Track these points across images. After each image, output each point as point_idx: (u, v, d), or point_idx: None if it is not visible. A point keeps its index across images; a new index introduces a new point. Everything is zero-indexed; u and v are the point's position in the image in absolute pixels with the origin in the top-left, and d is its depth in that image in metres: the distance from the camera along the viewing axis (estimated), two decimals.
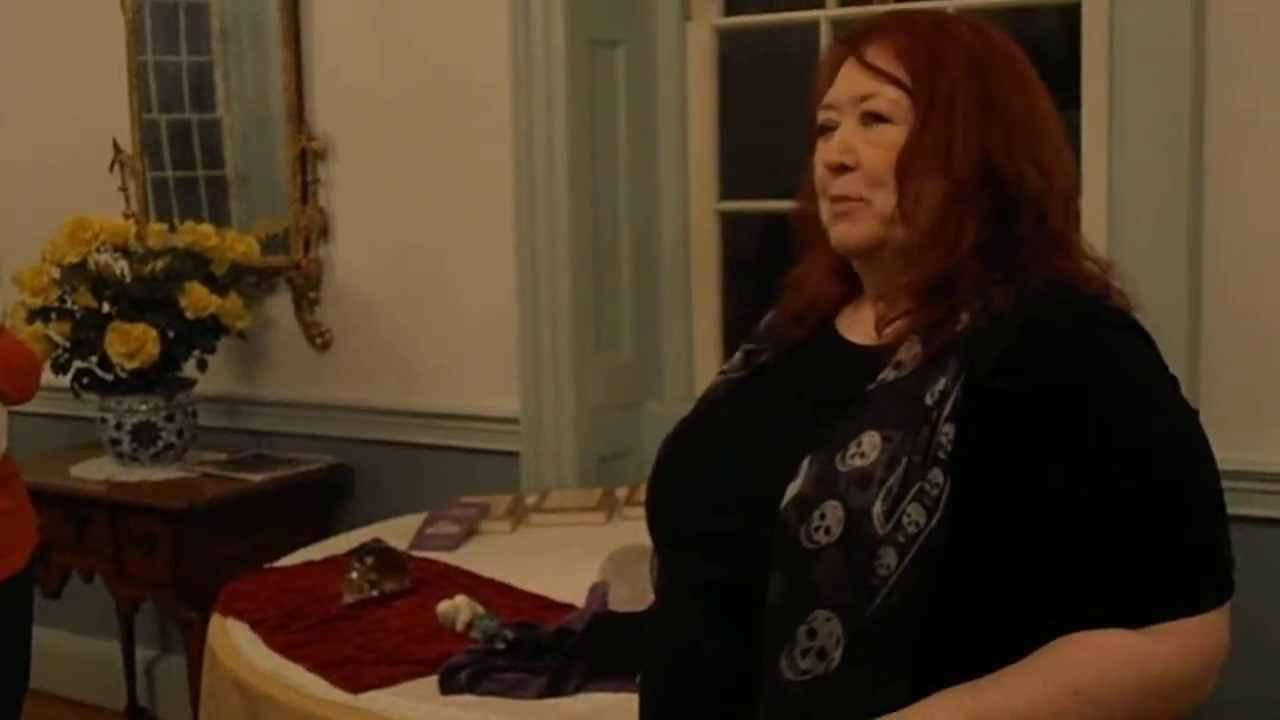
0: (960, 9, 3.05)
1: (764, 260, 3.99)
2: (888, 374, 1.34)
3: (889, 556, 1.24)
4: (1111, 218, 2.75)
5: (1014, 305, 1.33)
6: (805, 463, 1.30)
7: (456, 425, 3.57)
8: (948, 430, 1.27)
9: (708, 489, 1.42)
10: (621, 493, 3.06)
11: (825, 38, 3.23)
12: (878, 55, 1.41)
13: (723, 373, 1.58)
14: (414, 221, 3.60)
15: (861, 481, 1.27)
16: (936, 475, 1.26)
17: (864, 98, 1.41)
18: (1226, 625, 1.31)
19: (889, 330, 1.39)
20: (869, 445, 1.28)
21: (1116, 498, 1.27)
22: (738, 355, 1.57)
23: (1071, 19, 2.90)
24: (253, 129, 3.89)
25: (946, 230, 1.37)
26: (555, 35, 3.18)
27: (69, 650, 4.18)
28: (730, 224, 3.49)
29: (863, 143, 1.40)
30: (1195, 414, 1.36)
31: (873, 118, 1.40)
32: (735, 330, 3.53)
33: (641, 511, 2.97)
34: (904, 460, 1.26)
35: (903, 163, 1.37)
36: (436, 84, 3.52)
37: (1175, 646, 1.27)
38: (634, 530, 2.76)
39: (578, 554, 2.53)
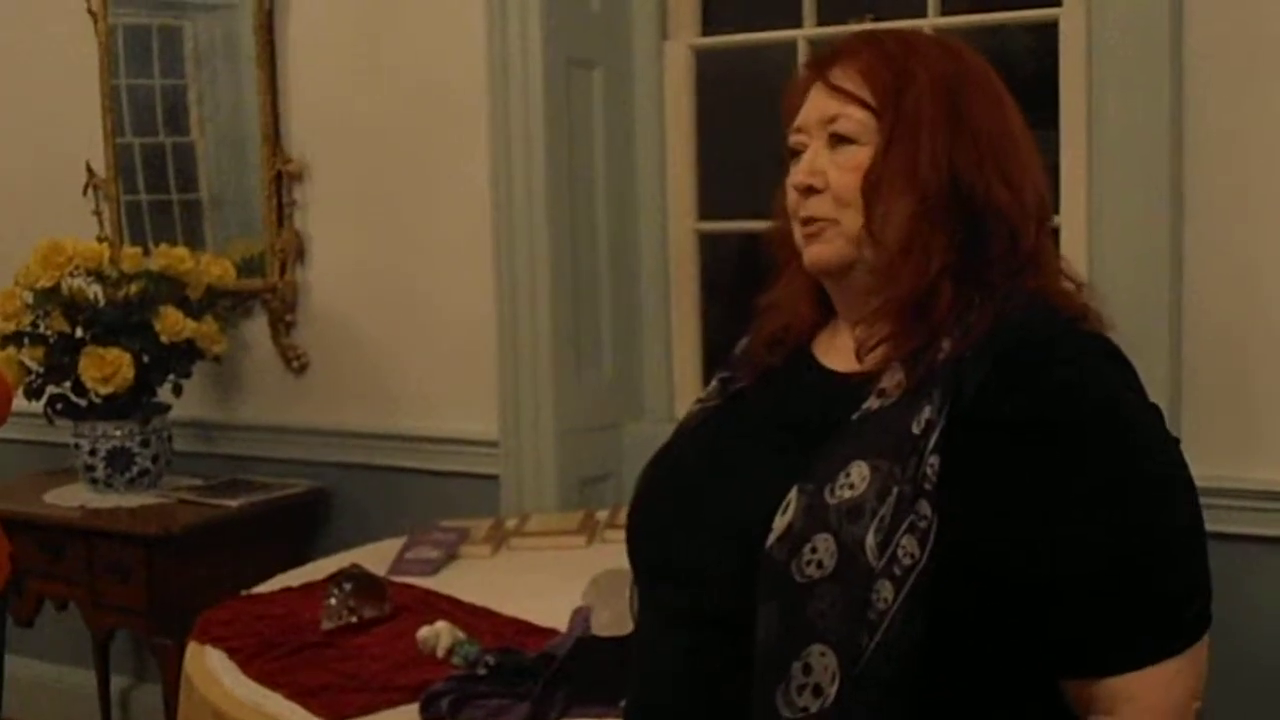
0: (936, 27, 3.06)
1: (744, 280, 3.98)
2: (872, 402, 1.32)
3: (886, 590, 1.22)
4: (1091, 236, 2.75)
5: (991, 332, 1.31)
6: (793, 494, 1.28)
7: (435, 449, 3.55)
8: (933, 461, 1.25)
9: (688, 520, 1.40)
10: (603, 515, 3.04)
11: (803, 57, 3.22)
12: (843, 77, 1.40)
13: (699, 401, 1.55)
14: (391, 243, 3.59)
15: (853, 513, 1.24)
16: (924, 507, 1.24)
17: (831, 119, 1.40)
18: (1204, 656, 1.29)
19: (869, 356, 1.37)
20: (857, 476, 1.26)
21: (1089, 540, 1.25)
22: (714, 384, 1.55)
23: (1049, 37, 2.91)
24: (227, 151, 3.87)
25: (915, 250, 1.35)
26: (532, 56, 3.17)
27: (43, 679, 4.13)
28: (709, 244, 3.48)
29: (830, 165, 1.39)
30: (1175, 442, 1.34)
31: (839, 139, 1.40)
32: (715, 351, 3.51)
33: (621, 534, 2.95)
34: (895, 490, 1.24)
35: (869, 183, 1.37)
36: (413, 105, 3.50)
37: (1151, 702, 1.26)
38: (616, 553, 2.74)
39: (559, 578, 2.50)
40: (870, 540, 1.23)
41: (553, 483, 3.25)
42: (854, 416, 1.31)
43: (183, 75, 3.89)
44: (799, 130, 1.44)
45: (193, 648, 2.36)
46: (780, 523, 1.27)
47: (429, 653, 2.20)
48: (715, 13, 3.41)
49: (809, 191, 1.40)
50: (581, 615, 2.10)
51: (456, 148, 3.43)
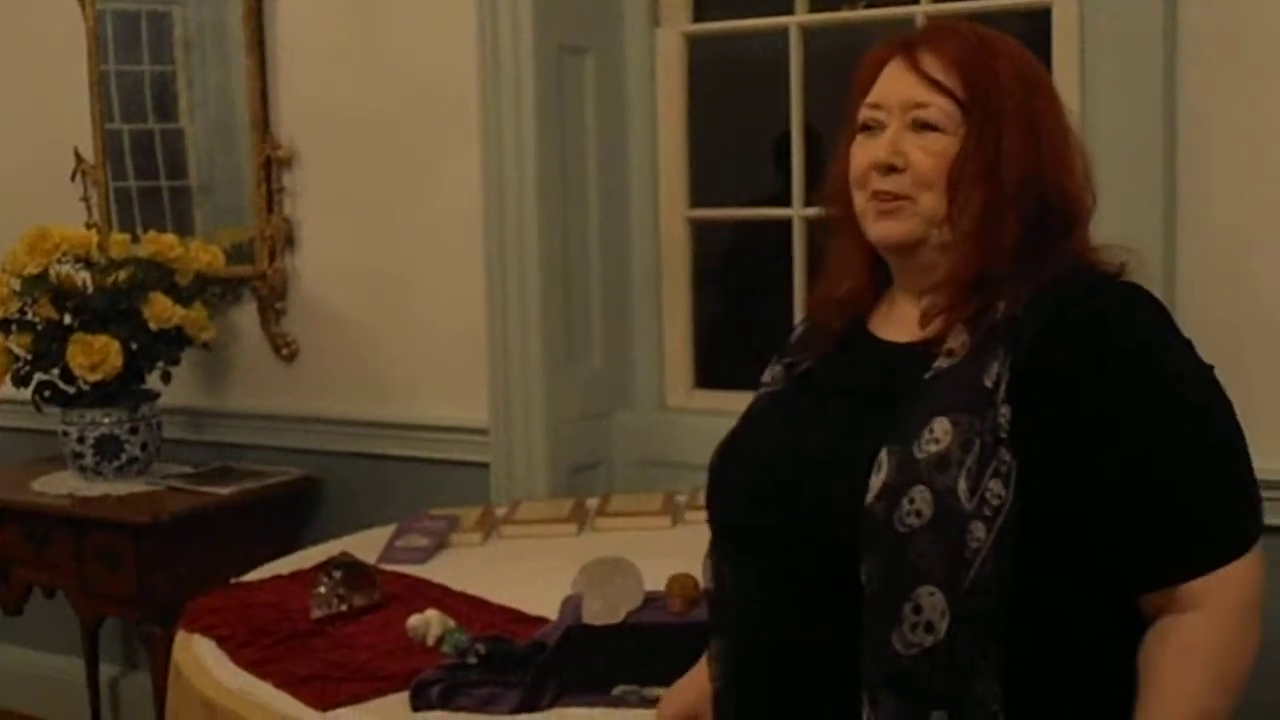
0: (929, 14, 3.05)
1: (735, 268, 3.97)
2: (941, 362, 1.44)
3: (979, 530, 1.36)
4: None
5: (1040, 291, 1.44)
6: (883, 454, 1.39)
7: (425, 436, 3.54)
8: (1005, 411, 1.38)
9: (776, 489, 1.51)
10: (593, 503, 3.03)
11: (795, 43, 3.21)
12: (934, 66, 1.50)
13: (764, 386, 1.66)
14: (381, 231, 3.57)
15: (941, 465, 1.37)
16: (1004, 453, 1.37)
17: (918, 105, 1.50)
18: (1259, 563, 1.42)
19: (933, 324, 1.49)
20: (941, 431, 1.39)
21: (1149, 461, 1.39)
22: (777, 369, 1.66)
23: (1042, 22, 2.90)
24: (217, 138, 3.85)
25: (988, 233, 1.47)
26: (523, 42, 3.16)
27: (31, 667, 4.12)
28: (701, 232, 3.47)
29: (912, 146, 1.49)
30: (1210, 369, 1.48)
31: (925, 125, 1.49)
32: (706, 339, 3.51)
33: (612, 522, 2.96)
34: (977, 441, 1.37)
35: (955, 172, 1.47)
36: (403, 92, 3.49)
37: (1224, 600, 1.39)
38: (606, 541, 2.74)
39: (549, 566, 2.50)
40: (962, 486, 1.36)
41: (543, 471, 3.24)
42: (927, 376, 1.44)
43: (172, 61, 3.88)
44: (876, 106, 1.53)
45: (181, 636, 2.35)
46: (876, 481, 1.39)
47: (419, 641, 2.19)
48: None
49: (889, 170, 1.50)
50: (572, 604, 2.09)
51: (447, 135, 3.41)
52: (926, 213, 1.49)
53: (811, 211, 3.29)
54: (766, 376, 1.67)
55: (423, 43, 3.45)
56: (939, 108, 1.49)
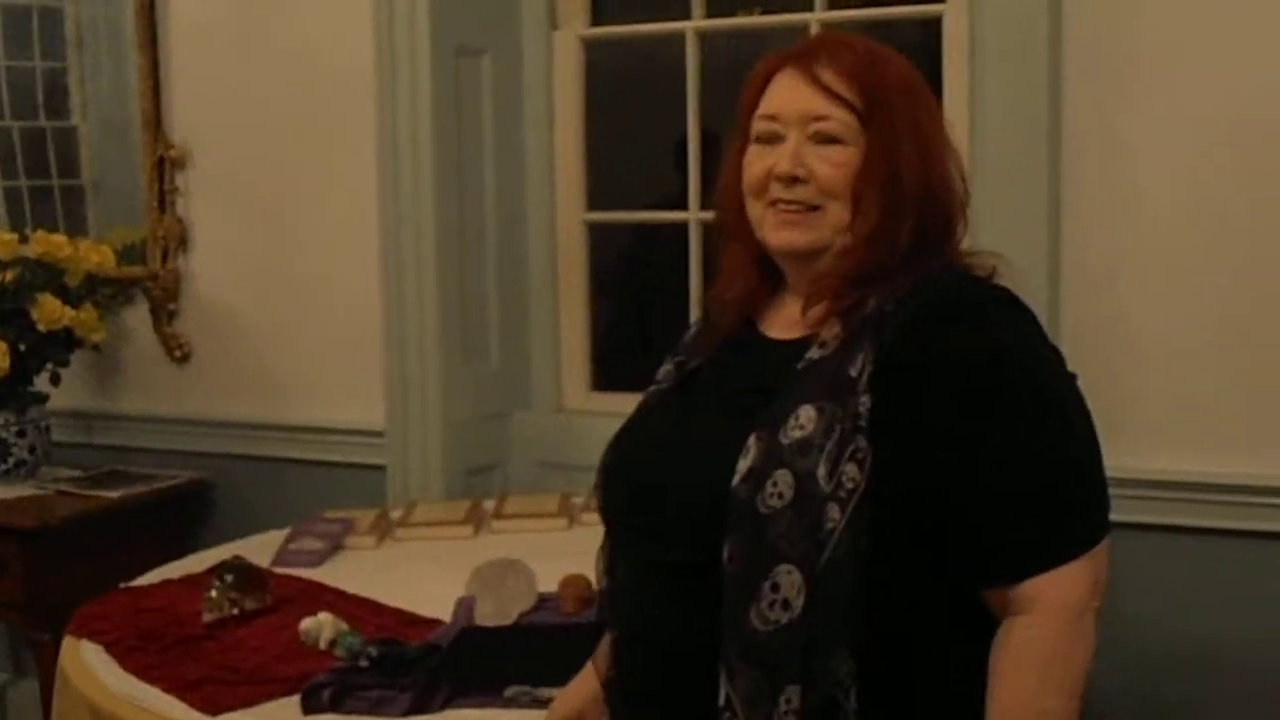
0: (823, 21, 3.09)
1: (632, 271, 3.99)
2: (813, 353, 1.49)
3: (833, 511, 1.40)
4: (970, 224, 2.78)
5: (912, 289, 1.49)
6: (751, 439, 1.44)
7: (320, 439, 3.52)
8: (865, 401, 1.43)
9: (657, 481, 1.55)
10: (489, 505, 3.03)
11: (691, 48, 3.24)
12: (831, 78, 1.53)
13: (655, 383, 1.70)
14: (275, 231, 3.54)
15: (804, 449, 1.42)
16: (861, 440, 1.42)
17: (818, 118, 1.53)
18: (1102, 560, 1.47)
19: (810, 316, 1.54)
20: (805, 417, 1.43)
21: (998, 464, 1.43)
22: (668, 366, 1.70)
23: (935, 31, 2.95)
24: (109, 136, 3.80)
25: (885, 237, 1.52)
26: (420, 42, 3.15)
27: None
28: (598, 234, 3.48)
29: (814, 158, 1.53)
30: (1073, 378, 1.51)
31: (826, 138, 1.53)
32: (603, 341, 3.52)
33: (509, 524, 2.96)
34: (837, 428, 1.42)
35: (859, 183, 1.52)
36: (298, 92, 3.46)
37: (1055, 602, 1.42)
38: (501, 543, 2.74)
39: (444, 568, 2.49)
40: (821, 470, 1.41)
41: (439, 473, 3.23)
42: (799, 365, 1.49)
43: (63, 58, 3.82)
44: (774, 118, 1.56)
45: (68, 641, 2.32)
46: (743, 465, 1.44)
47: (311, 644, 2.18)
48: (605, 3, 3.41)
49: (793, 181, 1.53)
50: (465, 605, 2.10)
51: (343, 134, 3.40)
52: (833, 222, 1.53)
53: (708, 215, 3.31)
54: (659, 374, 1.71)
55: (319, 42, 3.43)
56: (839, 120, 1.52)
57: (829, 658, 1.41)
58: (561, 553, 2.47)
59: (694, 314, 3.31)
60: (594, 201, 3.43)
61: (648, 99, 3.54)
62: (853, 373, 1.45)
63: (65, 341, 3.52)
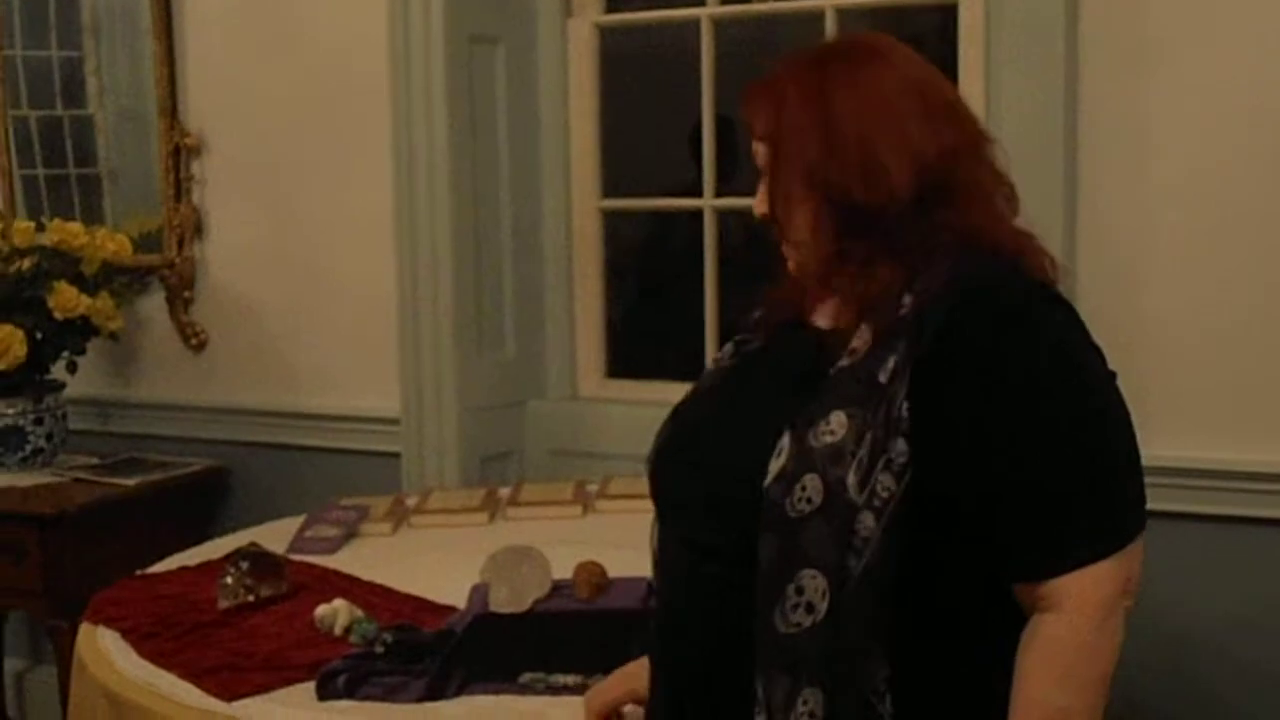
0: (838, 7, 3.08)
1: (647, 258, 3.99)
2: (844, 360, 1.50)
3: (868, 520, 1.42)
4: None
5: (946, 284, 1.47)
6: (785, 439, 1.46)
7: (336, 426, 3.53)
8: (904, 404, 1.43)
9: (700, 462, 1.59)
10: (504, 493, 3.03)
11: (706, 35, 3.23)
12: (749, 114, 1.59)
13: (716, 361, 1.72)
14: (291, 219, 3.55)
15: (834, 456, 1.43)
16: (900, 445, 1.42)
17: (756, 157, 1.60)
18: (1135, 558, 1.47)
19: (841, 315, 1.56)
20: (837, 423, 1.45)
21: (1035, 465, 1.43)
22: (729, 345, 1.72)
23: (951, 18, 2.94)
24: (125, 125, 3.81)
25: (814, 243, 1.56)
26: (434, 31, 3.15)
27: None
28: (613, 222, 3.48)
29: (761, 195, 1.60)
30: (1112, 377, 1.52)
31: (764, 173, 1.59)
32: (618, 329, 3.52)
33: (523, 512, 2.97)
34: (869, 434, 1.43)
35: (771, 207, 1.58)
36: (313, 80, 3.47)
37: (1083, 600, 1.42)
38: (516, 530, 2.75)
39: (459, 555, 2.49)
40: (851, 479, 1.42)
41: (454, 460, 3.23)
42: (831, 371, 1.50)
43: (80, 47, 3.82)
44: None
45: (85, 628, 2.33)
46: (775, 465, 1.46)
47: (326, 631, 2.19)
48: None
49: (765, 219, 1.61)
50: (479, 592, 2.10)
51: (358, 123, 3.40)
52: (794, 241, 1.58)
53: (723, 202, 3.31)
54: (721, 352, 1.73)
55: (333, 31, 3.43)
56: (760, 153, 1.59)
57: (861, 663, 1.42)
58: (576, 540, 2.47)
59: (709, 301, 3.31)
60: (609, 189, 3.43)
61: (663, 86, 3.54)
62: (883, 379, 1.45)
63: (82, 329, 3.52)
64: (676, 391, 3.36)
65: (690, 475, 1.60)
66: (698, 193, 3.32)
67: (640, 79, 3.53)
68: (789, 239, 1.58)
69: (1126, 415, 1.50)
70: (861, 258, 1.52)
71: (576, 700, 1.92)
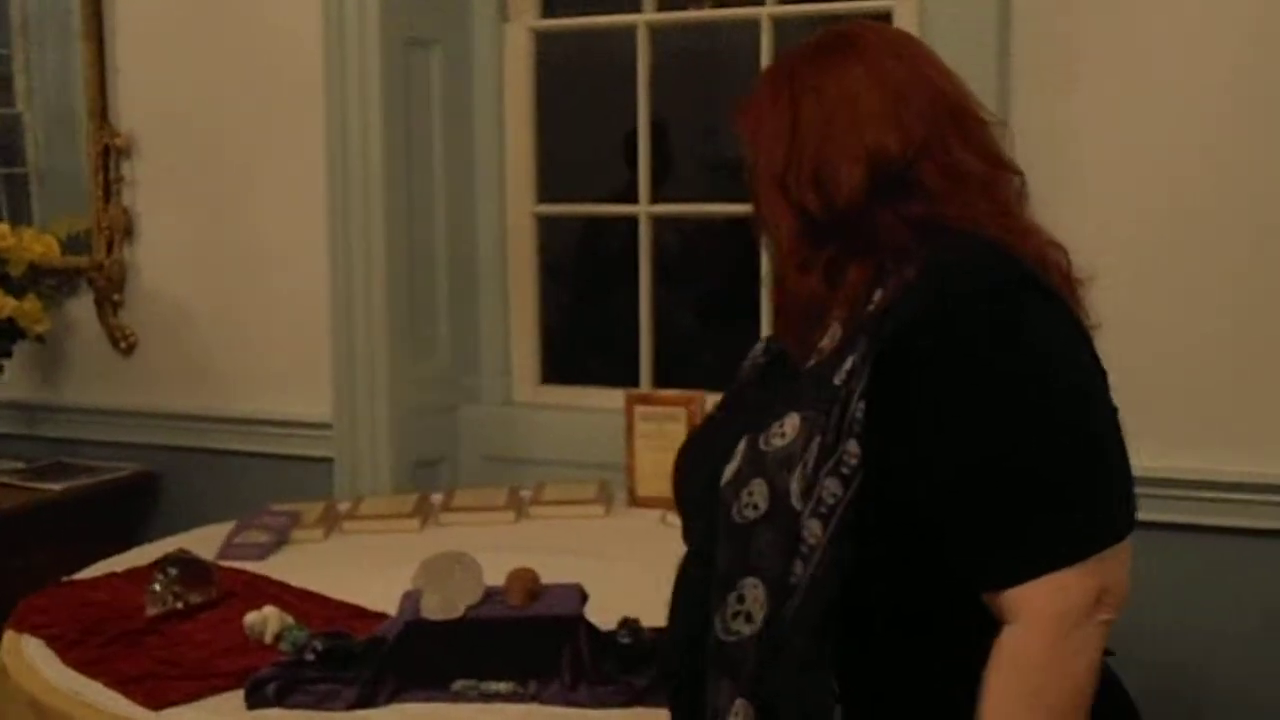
0: (773, 16, 3.09)
1: (582, 264, 3.99)
2: (814, 359, 1.46)
3: (814, 527, 1.37)
4: None
5: (918, 276, 1.40)
6: (742, 443, 1.44)
7: (267, 431, 3.50)
8: (861, 405, 1.37)
9: (689, 467, 1.59)
10: (437, 499, 3.02)
11: (642, 42, 3.23)
12: (733, 124, 1.56)
13: (750, 359, 1.67)
14: (222, 222, 3.52)
15: (784, 460, 1.40)
16: (852, 447, 1.37)
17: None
18: (1109, 567, 1.35)
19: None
20: (790, 426, 1.41)
21: (964, 463, 1.35)
22: (760, 344, 1.67)
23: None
24: (54, 125, 3.77)
25: (790, 253, 1.49)
26: (369, 34, 3.13)
27: None
28: (548, 227, 3.48)
29: None
30: (1091, 369, 1.41)
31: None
32: (553, 334, 3.51)
33: (457, 517, 2.96)
34: (817, 439, 1.38)
35: (756, 219, 1.55)
36: (246, 81, 3.44)
37: (1041, 612, 1.33)
38: (449, 536, 2.73)
39: (391, 562, 2.48)
40: (795, 487, 1.38)
41: (387, 466, 3.22)
42: (801, 371, 1.47)
43: (7, 45, 3.78)
44: None
45: (9, 636, 2.29)
46: (729, 469, 1.44)
47: (256, 638, 2.17)
48: None
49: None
50: (411, 599, 2.09)
51: (291, 125, 3.37)
52: (778, 252, 1.53)
53: (658, 208, 3.32)
54: (746, 360, 1.67)
55: (267, 31, 3.40)
56: (748, 170, 1.55)
57: (805, 675, 1.38)
58: (509, 546, 2.46)
59: (644, 307, 3.31)
60: (544, 194, 3.42)
61: (598, 92, 3.54)
62: (837, 380, 1.39)
63: (8, 332, 3.49)
64: (611, 398, 3.38)
65: (685, 479, 1.60)
66: (633, 198, 3.32)
67: (576, 84, 3.53)
68: (776, 248, 1.52)
69: (1106, 412, 1.41)
70: (826, 261, 1.46)
71: (509, 708, 1.92)
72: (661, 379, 3.31)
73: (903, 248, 1.42)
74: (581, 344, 3.85)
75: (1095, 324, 1.48)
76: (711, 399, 3.02)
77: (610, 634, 2.02)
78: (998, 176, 1.49)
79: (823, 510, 1.37)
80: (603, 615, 2.05)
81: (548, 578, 2.09)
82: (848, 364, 1.39)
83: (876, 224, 1.43)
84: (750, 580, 1.40)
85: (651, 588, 2.41)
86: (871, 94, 1.46)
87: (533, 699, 1.94)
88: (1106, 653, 1.40)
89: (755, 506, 1.40)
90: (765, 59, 3.07)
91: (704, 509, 1.48)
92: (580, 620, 2.00)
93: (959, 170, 1.46)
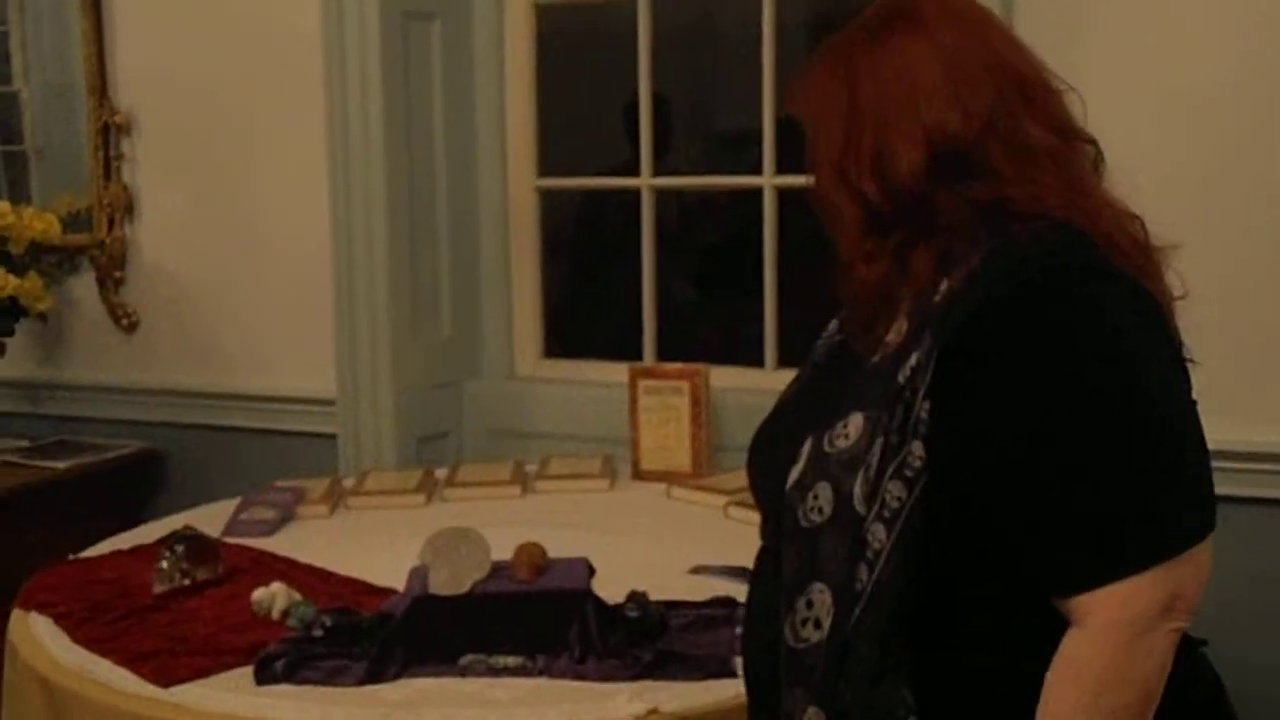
0: None
1: (584, 238, 3.98)
2: (878, 355, 1.41)
3: (879, 531, 1.34)
4: None
5: (980, 264, 1.35)
6: (807, 444, 1.40)
7: (271, 408, 3.50)
8: (926, 405, 1.33)
9: (760, 461, 1.55)
10: (441, 474, 3.02)
11: (643, 14, 3.22)
12: (789, 104, 1.52)
13: (824, 338, 1.60)
14: (224, 198, 3.51)
15: (848, 463, 1.36)
16: (917, 449, 1.33)
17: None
18: (1183, 573, 1.30)
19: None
20: (854, 427, 1.37)
21: (1043, 462, 1.30)
22: (835, 322, 1.59)
23: None
24: (53, 102, 3.76)
25: (854, 239, 1.43)
26: (369, 7, 3.11)
27: None
28: (550, 201, 3.47)
29: None
30: (1172, 361, 1.37)
31: None
32: (555, 308, 3.51)
33: (462, 492, 2.96)
34: (880, 440, 1.34)
35: (817, 203, 1.47)
36: (246, 57, 3.43)
37: (1107, 618, 1.29)
38: (454, 511, 2.74)
39: (397, 537, 2.49)
40: (858, 490, 1.34)
41: (391, 441, 3.22)
42: (866, 368, 1.42)
43: (4, 21, 3.76)
44: None
45: (17, 614, 2.29)
46: (795, 471, 1.40)
47: (264, 615, 2.17)
48: None
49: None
50: (418, 574, 2.09)
51: (291, 100, 3.36)
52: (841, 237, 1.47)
53: (660, 181, 3.31)
54: (820, 337, 1.61)
55: (266, 6, 3.39)
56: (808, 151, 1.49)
57: (879, 686, 1.34)
58: (515, 520, 2.47)
59: (646, 280, 3.30)
60: (546, 168, 3.41)
61: (599, 64, 3.53)
62: (900, 378, 1.34)
63: (10, 311, 3.48)
64: (614, 371, 3.38)
65: (757, 471, 1.55)
66: (635, 172, 3.31)
67: (577, 57, 3.52)
68: (842, 236, 1.45)
69: (1186, 407, 1.35)
70: (893, 250, 1.40)
71: (518, 682, 1.92)
72: (664, 352, 3.31)
73: (967, 232, 1.37)
74: (584, 317, 3.84)
75: (1181, 294, 1.43)
76: (715, 372, 3.04)
77: (618, 607, 2.02)
78: (1069, 148, 1.42)
79: (887, 514, 1.33)
80: (610, 589, 2.05)
81: (554, 552, 2.09)
82: (912, 360, 1.34)
83: (938, 207, 1.38)
84: (818, 585, 1.37)
85: (657, 561, 2.42)
86: (931, 70, 1.39)
87: (541, 673, 1.94)
88: (1200, 643, 1.39)
89: (820, 510, 1.37)
90: (767, 30, 3.06)
91: (776, 511, 1.45)
92: (588, 594, 2.01)
93: (1026, 146, 1.38)
